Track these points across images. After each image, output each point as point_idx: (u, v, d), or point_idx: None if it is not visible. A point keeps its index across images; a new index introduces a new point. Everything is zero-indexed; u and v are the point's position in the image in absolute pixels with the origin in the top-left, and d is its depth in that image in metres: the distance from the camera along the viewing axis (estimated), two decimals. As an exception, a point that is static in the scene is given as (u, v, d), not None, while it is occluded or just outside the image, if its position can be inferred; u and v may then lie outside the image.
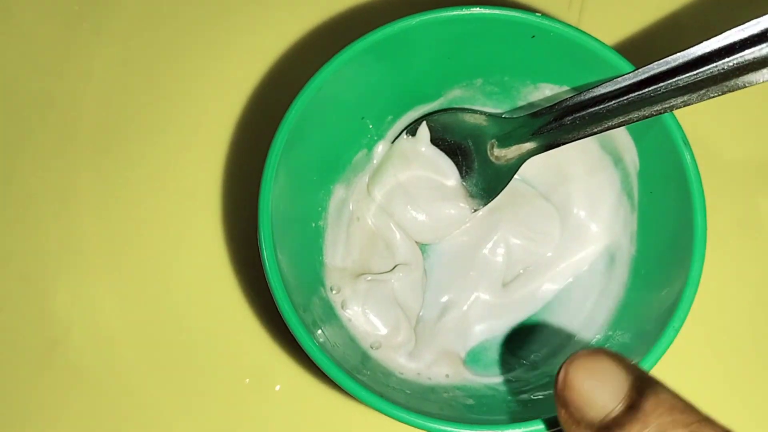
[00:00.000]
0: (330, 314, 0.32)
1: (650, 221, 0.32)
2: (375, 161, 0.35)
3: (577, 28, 0.30)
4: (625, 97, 0.28)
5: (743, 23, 0.25)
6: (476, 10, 0.30)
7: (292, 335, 0.27)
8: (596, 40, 0.30)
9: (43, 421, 0.35)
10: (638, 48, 0.39)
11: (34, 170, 0.38)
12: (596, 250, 0.34)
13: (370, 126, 0.34)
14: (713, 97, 0.26)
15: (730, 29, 0.25)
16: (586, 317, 0.33)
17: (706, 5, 0.40)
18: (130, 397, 0.35)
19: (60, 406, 0.35)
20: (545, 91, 0.33)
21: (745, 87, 0.26)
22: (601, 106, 0.29)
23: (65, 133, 0.39)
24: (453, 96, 0.34)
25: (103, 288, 0.37)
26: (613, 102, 0.28)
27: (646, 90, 0.27)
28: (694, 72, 0.26)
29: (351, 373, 0.27)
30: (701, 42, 0.26)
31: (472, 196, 0.35)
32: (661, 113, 0.27)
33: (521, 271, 0.35)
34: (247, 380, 0.35)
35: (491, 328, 0.34)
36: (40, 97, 0.39)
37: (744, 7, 0.39)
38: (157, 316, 0.36)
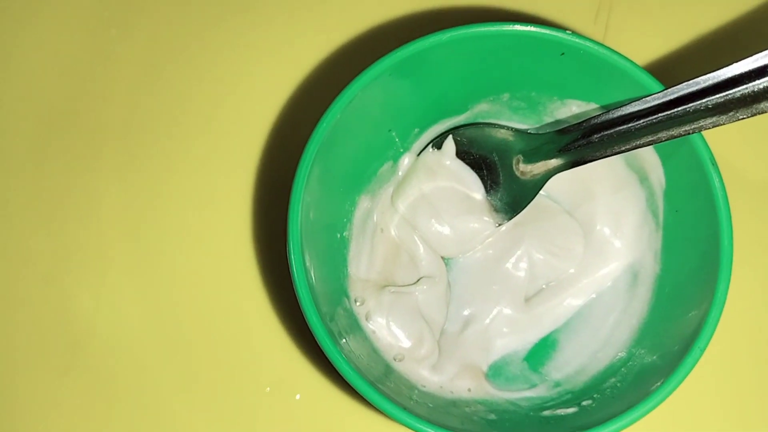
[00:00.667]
0: (354, 326, 0.32)
1: (675, 240, 0.32)
2: (400, 173, 0.35)
3: (606, 47, 0.30)
4: (653, 117, 0.28)
5: (773, 46, 0.25)
6: (508, 27, 0.30)
7: (314, 344, 0.28)
8: (626, 58, 0.30)
9: (65, 422, 0.35)
10: (659, 64, 0.39)
11: (59, 173, 0.38)
12: (620, 266, 0.34)
13: (397, 139, 0.34)
14: (742, 118, 0.26)
15: (759, 51, 0.25)
16: (609, 334, 0.33)
17: (730, 26, 0.40)
18: (151, 401, 0.36)
19: (81, 408, 0.36)
20: (572, 108, 0.33)
21: (775, 110, 0.26)
22: (630, 125, 0.29)
23: (91, 137, 0.39)
24: (479, 110, 0.35)
25: (126, 291, 0.37)
26: (642, 121, 0.28)
27: (675, 110, 0.27)
28: (724, 93, 0.26)
29: (375, 384, 0.27)
30: (731, 64, 0.26)
31: (496, 210, 0.35)
32: (689, 133, 0.27)
33: (544, 287, 0.35)
34: (268, 388, 0.36)
35: (513, 342, 0.34)
36: (67, 102, 0.39)
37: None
38: (179, 321, 0.37)
